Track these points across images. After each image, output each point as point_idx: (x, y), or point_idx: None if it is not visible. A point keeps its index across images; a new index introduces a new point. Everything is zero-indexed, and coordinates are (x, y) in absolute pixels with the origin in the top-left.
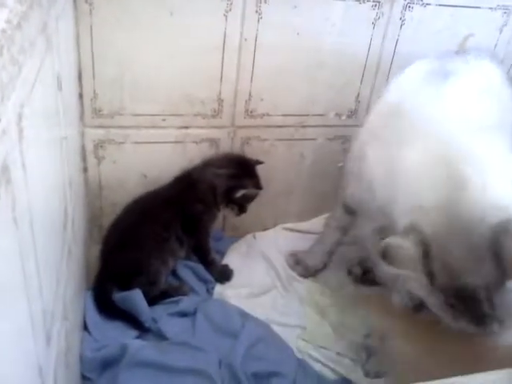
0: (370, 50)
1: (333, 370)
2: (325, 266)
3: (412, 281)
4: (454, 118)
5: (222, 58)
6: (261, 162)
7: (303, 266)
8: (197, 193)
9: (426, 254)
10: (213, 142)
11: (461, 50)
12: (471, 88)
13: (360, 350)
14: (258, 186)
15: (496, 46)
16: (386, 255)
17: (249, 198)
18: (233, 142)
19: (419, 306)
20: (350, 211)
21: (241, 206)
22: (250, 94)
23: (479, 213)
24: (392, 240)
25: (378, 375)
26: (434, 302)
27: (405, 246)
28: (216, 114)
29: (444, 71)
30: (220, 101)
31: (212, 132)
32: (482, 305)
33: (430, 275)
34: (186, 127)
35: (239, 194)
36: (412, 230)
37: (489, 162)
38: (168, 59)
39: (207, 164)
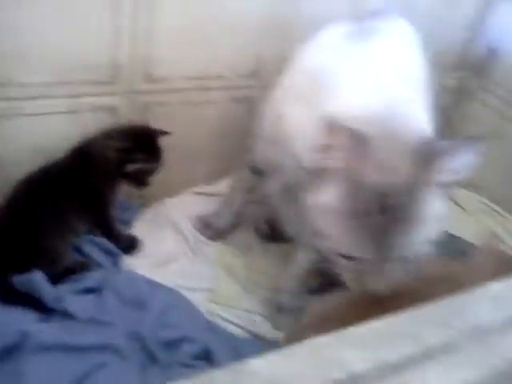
0: (269, 10)
1: (243, 328)
2: (233, 227)
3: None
4: (378, 74)
5: (115, 20)
6: (166, 133)
7: (212, 229)
8: (94, 165)
9: (363, 143)
10: (111, 110)
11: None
12: (393, 46)
13: (269, 305)
14: (154, 160)
15: None
16: (330, 127)
17: (145, 172)
18: (133, 108)
19: (324, 265)
20: (258, 172)
21: (139, 180)
22: (148, 58)
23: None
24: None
25: (286, 327)
26: (344, 209)
27: (348, 128)
28: (112, 80)
29: (364, 30)
30: (116, 66)
31: (109, 99)
32: (395, 212)
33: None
34: (80, 96)
35: (129, 169)
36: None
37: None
38: (53, 24)
39: (105, 136)
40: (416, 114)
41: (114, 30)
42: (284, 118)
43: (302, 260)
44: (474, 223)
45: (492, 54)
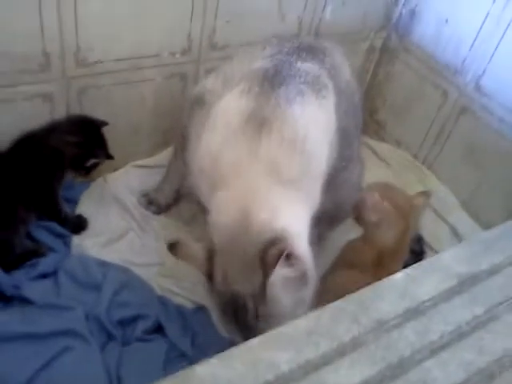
0: None
1: (191, 300)
2: (176, 201)
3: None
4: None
5: (40, 9)
6: (105, 123)
7: (156, 205)
8: (41, 157)
9: (210, 258)
10: (46, 97)
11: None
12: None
13: None
14: (109, 155)
15: None
16: (174, 252)
17: (97, 164)
18: (68, 93)
19: None
20: None
21: (89, 170)
22: (77, 44)
23: (254, 233)
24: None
25: None
26: (212, 302)
27: (194, 247)
28: (44, 68)
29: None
30: (46, 54)
31: (43, 87)
32: (248, 314)
33: (210, 278)
34: (14, 85)
35: (90, 163)
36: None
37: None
38: None
39: (54, 128)
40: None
41: (41, 19)
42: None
43: None
44: (395, 178)
45: (412, 16)
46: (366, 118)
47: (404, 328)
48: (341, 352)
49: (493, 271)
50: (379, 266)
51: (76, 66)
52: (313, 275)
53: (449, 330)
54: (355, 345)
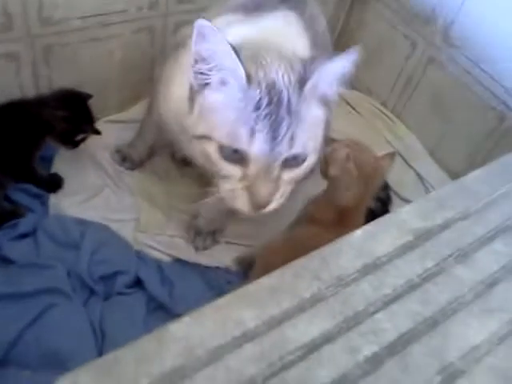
0: None
1: (167, 253)
2: (149, 156)
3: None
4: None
5: None
6: (90, 96)
7: (130, 161)
8: (29, 128)
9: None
10: (12, 56)
11: None
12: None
13: (188, 228)
14: (95, 130)
15: None
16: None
17: (85, 138)
18: (34, 53)
19: None
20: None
21: (76, 144)
22: (40, 2)
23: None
24: None
25: (205, 248)
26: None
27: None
28: (6, 28)
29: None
30: (7, 14)
31: (7, 46)
32: (281, 108)
33: (248, 74)
34: None
35: (79, 137)
36: None
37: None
38: None
39: (42, 101)
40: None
41: None
42: None
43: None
44: (365, 125)
45: None
46: None
47: (361, 282)
48: (301, 308)
49: (445, 226)
50: (338, 223)
51: (40, 24)
52: None
53: (401, 283)
54: (315, 300)
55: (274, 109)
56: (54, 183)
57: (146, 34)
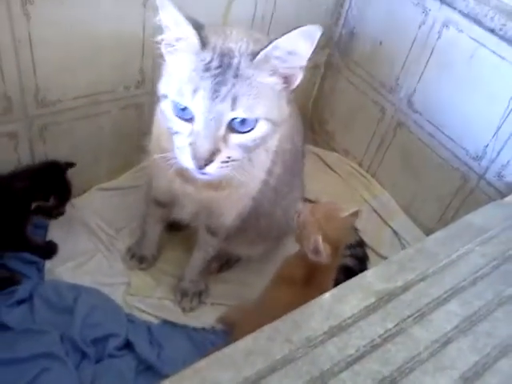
0: (146, 27)
1: (156, 315)
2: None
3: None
4: None
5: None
6: (72, 165)
7: (140, 259)
8: (9, 203)
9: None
10: (11, 135)
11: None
12: None
13: (175, 291)
14: (65, 193)
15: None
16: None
17: (56, 206)
18: (31, 131)
19: None
20: (161, 204)
21: (49, 213)
22: (36, 88)
23: None
24: None
25: (192, 309)
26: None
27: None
28: (6, 111)
29: None
30: (7, 98)
31: (7, 127)
32: (229, 71)
33: (204, 41)
34: None
35: (33, 206)
36: None
37: None
38: None
39: (18, 174)
40: None
41: (1, 64)
42: None
43: (201, 251)
44: (343, 184)
45: (351, 37)
46: (317, 128)
47: (327, 344)
48: (273, 368)
49: (405, 287)
50: (308, 280)
51: (36, 106)
52: None
53: (363, 343)
54: (285, 361)
55: (222, 72)
56: (50, 250)
57: (133, 110)
